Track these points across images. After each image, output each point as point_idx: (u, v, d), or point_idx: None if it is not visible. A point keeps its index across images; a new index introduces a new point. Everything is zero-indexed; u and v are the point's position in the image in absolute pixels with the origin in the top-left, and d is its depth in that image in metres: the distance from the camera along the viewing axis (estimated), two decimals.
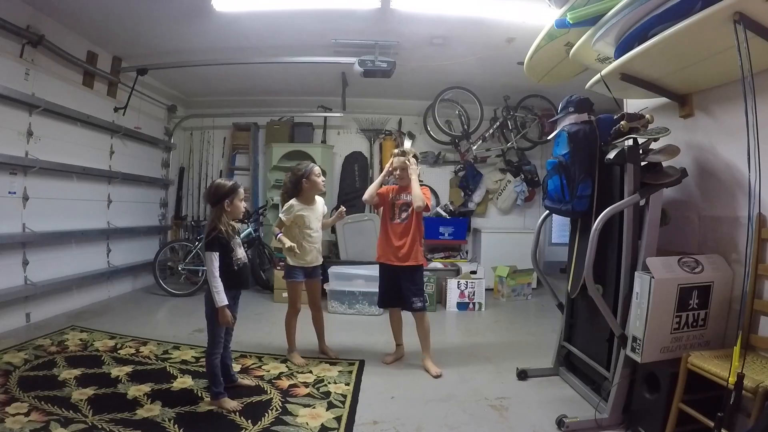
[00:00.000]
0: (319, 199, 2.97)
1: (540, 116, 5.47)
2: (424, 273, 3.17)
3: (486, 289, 4.59)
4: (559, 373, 2.73)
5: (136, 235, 4.94)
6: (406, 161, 2.82)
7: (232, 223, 2.32)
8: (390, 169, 2.88)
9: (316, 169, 2.86)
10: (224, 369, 2.39)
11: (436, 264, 4.97)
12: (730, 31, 1.58)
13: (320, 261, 2.98)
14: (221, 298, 2.18)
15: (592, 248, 2.07)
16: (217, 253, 2.20)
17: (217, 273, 2.19)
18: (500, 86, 5.02)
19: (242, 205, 2.34)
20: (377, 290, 4.09)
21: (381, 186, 2.90)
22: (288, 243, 2.73)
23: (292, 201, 2.85)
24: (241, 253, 2.33)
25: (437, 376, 2.72)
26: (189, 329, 3.47)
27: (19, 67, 3.29)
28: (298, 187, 2.85)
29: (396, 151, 2.91)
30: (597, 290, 2.13)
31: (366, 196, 2.90)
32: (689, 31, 1.70)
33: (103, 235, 4.39)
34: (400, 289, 2.86)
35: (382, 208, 2.91)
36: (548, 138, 4.76)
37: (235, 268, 2.28)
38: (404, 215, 2.83)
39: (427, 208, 2.78)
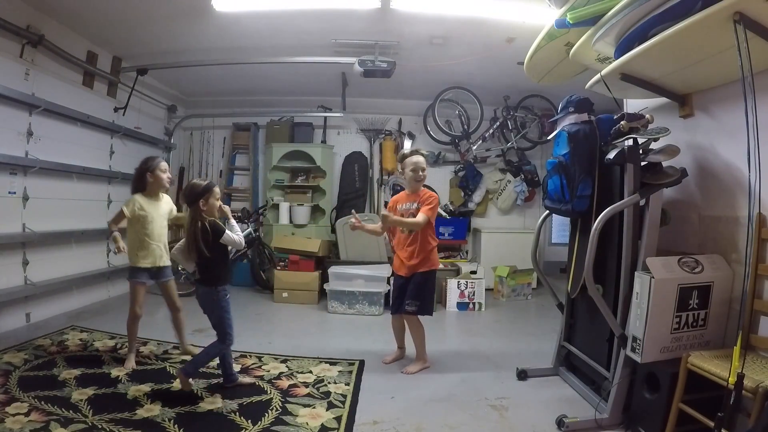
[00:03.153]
0: (165, 196, 2.85)
1: (540, 116, 5.47)
2: None
3: (486, 289, 4.60)
4: (559, 373, 2.73)
5: None
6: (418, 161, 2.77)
7: (212, 220, 2.34)
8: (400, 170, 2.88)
9: (163, 164, 2.76)
10: (225, 368, 2.40)
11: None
12: (730, 31, 1.58)
13: (167, 262, 2.81)
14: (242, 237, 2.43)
15: (592, 248, 2.07)
16: (226, 230, 2.32)
17: (239, 238, 2.37)
18: (500, 86, 5.02)
19: (218, 204, 2.36)
20: (378, 290, 4.16)
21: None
22: (120, 244, 2.59)
23: (136, 195, 2.71)
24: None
25: (403, 371, 2.76)
26: (189, 329, 3.44)
27: (19, 67, 3.29)
28: (142, 181, 2.72)
29: (406, 152, 2.87)
30: (597, 290, 2.13)
31: (381, 231, 2.91)
32: (689, 31, 1.70)
33: (103, 235, 4.37)
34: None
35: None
36: (548, 138, 4.76)
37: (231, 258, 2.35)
38: None
39: (428, 222, 2.73)
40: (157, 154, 5.39)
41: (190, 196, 2.29)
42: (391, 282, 3.02)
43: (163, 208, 2.82)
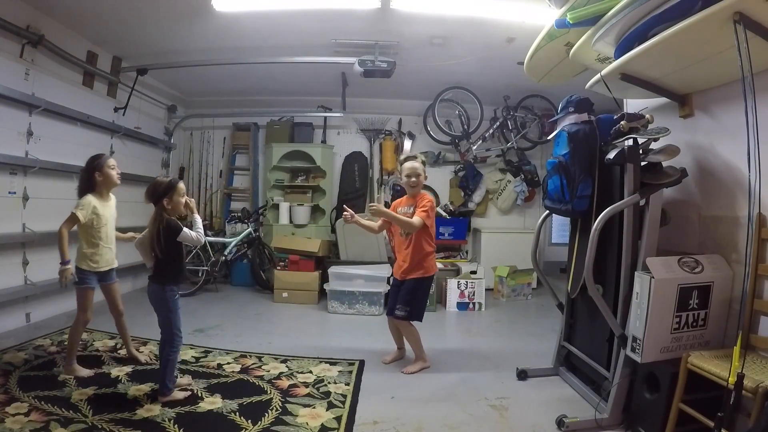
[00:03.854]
0: (112, 196, 2.72)
1: (540, 116, 5.47)
2: None
3: (486, 289, 4.60)
4: (559, 373, 2.73)
5: None
6: (417, 167, 2.79)
7: (169, 218, 2.28)
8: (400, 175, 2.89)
9: (110, 161, 2.60)
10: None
11: (437, 264, 4.96)
12: (730, 31, 1.58)
13: (116, 263, 2.76)
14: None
15: (592, 248, 2.07)
16: (184, 228, 2.27)
17: (196, 235, 2.30)
18: (500, 86, 5.02)
19: (183, 200, 2.30)
20: (378, 290, 4.17)
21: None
22: (68, 279, 2.53)
23: (89, 196, 2.56)
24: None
25: (403, 371, 2.77)
26: (189, 329, 3.46)
27: (19, 67, 3.29)
28: (90, 182, 2.57)
29: (402, 157, 2.90)
30: (597, 290, 2.13)
31: (378, 230, 2.95)
32: (689, 31, 1.70)
33: None
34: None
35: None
36: (548, 138, 4.76)
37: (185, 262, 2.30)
38: None
39: (424, 226, 2.72)
40: (158, 154, 5.41)
41: (154, 194, 2.24)
42: (391, 282, 3.03)
43: (112, 206, 2.71)
